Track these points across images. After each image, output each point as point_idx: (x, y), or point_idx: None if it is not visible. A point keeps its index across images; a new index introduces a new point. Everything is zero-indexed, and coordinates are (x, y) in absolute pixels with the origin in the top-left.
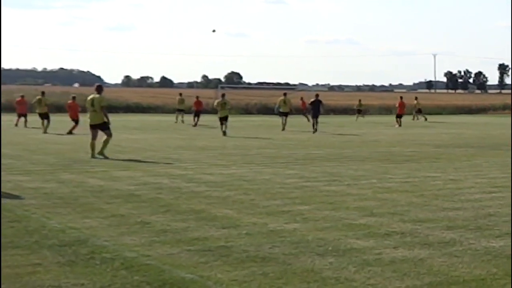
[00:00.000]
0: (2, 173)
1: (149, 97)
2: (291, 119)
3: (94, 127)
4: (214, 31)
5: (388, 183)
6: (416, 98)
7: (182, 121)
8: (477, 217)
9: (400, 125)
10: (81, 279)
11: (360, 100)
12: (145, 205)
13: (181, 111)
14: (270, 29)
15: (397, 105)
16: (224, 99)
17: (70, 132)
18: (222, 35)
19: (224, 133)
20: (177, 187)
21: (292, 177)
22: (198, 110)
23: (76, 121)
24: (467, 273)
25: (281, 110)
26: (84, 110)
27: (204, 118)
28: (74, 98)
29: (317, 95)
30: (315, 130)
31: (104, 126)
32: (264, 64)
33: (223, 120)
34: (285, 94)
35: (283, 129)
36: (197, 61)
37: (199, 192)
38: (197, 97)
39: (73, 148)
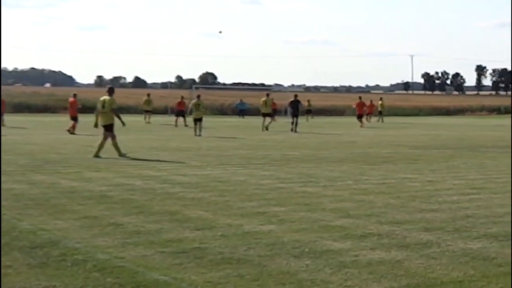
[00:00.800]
0: None
1: (122, 98)
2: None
3: (106, 128)
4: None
5: (364, 184)
6: (380, 99)
7: (149, 122)
8: (455, 219)
9: (361, 126)
10: (53, 281)
11: (309, 101)
12: (118, 206)
13: (148, 112)
14: (246, 30)
15: (354, 105)
16: (198, 100)
17: (70, 131)
18: (197, 35)
19: (199, 135)
20: (151, 188)
21: (267, 178)
22: (181, 110)
23: (75, 119)
24: (445, 275)
25: (262, 111)
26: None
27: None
28: (75, 95)
29: (295, 95)
30: (295, 131)
31: (110, 128)
32: (239, 65)
33: (198, 121)
34: (267, 95)
35: (263, 129)
36: (171, 61)
37: (173, 193)
38: (182, 97)
39: (44, 148)
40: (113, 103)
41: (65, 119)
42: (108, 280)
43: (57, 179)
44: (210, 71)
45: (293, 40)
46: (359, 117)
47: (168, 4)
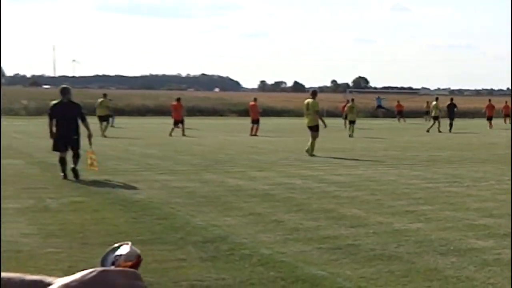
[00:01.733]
0: (151, 172)
1: (282, 101)
2: (412, 121)
3: (312, 128)
4: None
5: (506, 185)
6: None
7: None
8: None
9: (490, 127)
10: (222, 274)
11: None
12: (280, 204)
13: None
14: (395, 35)
15: (484, 108)
16: (353, 103)
17: (254, 134)
18: (350, 41)
19: (350, 135)
20: (309, 187)
21: (416, 178)
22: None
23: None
24: None
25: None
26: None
27: (332, 121)
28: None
29: (451, 99)
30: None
31: (315, 128)
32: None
33: (352, 123)
34: (437, 99)
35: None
36: (326, 66)
37: (329, 192)
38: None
39: (214, 149)
40: (316, 105)
41: (230, 122)
42: (271, 274)
43: (225, 178)
44: (362, 75)
45: (438, 44)
46: (489, 119)
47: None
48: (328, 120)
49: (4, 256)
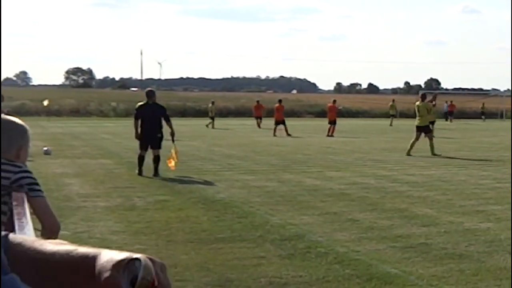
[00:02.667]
0: (232, 172)
1: (358, 103)
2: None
3: (419, 129)
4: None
5: None
6: None
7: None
8: None
9: None
10: (299, 272)
11: (483, 104)
12: (354, 203)
13: (392, 116)
14: (466, 37)
15: None
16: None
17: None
18: (421, 44)
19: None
20: (383, 187)
21: (485, 178)
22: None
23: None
24: None
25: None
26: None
27: (405, 122)
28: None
29: None
30: None
31: (426, 129)
32: (459, 70)
33: (431, 124)
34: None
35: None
36: (399, 68)
37: (402, 192)
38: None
39: (292, 150)
40: (424, 108)
41: (307, 123)
42: (346, 272)
43: (302, 178)
44: (434, 77)
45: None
46: None
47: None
48: (401, 121)
49: None
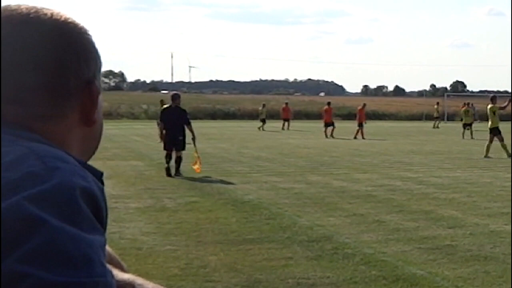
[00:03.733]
0: (260, 174)
1: (384, 105)
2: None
3: (491, 131)
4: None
5: None
6: None
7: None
8: None
9: None
10: (327, 273)
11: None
12: (381, 205)
13: (437, 118)
14: (491, 40)
15: None
16: (468, 107)
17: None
18: (447, 46)
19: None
20: (409, 188)
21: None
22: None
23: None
24: None
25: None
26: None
27: (429, 124)
28: (329, 103)
29: None
30: None
31: (495, 131)
32: (485, 73)
33: (468, 126)
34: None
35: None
36: (426, 71)
37: (428, 194)
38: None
39: (320, 152)
40: (492, 109)
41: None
42: (373, 273)
43: (330, 180)
44: (460, 79)
45: None
46: None
47: (421, 19)
48: (428, 124)
49: (124, 253)
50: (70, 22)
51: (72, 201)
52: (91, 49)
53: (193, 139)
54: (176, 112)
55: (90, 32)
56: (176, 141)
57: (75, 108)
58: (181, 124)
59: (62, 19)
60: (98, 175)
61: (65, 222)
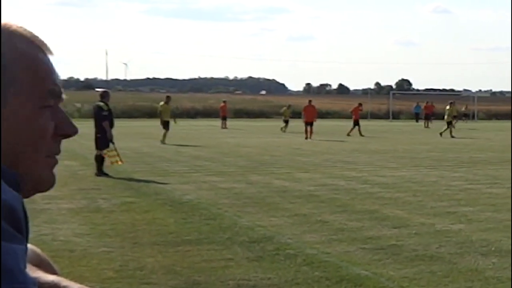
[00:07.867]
0: (199, 174)
1: (327, 104)
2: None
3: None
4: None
5: None
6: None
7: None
8: None
9: None
10: (268, 274)
11: (466, 106)
12: (324, 205)
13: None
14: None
15: None
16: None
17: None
18: (392, 44)
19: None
20: (353, 188)
21: (457, 180)
22: (428, 114)
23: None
24: None
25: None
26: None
27: (375, 123)
28: (360, 104)
29: None
30: None
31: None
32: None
33: (449, 124)
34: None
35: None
36: (370, 69)
37: (372, 193)
38: (429, 102)
39: (260, 151)
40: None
41: (276, 124)
42: (316, 274)
43: (271, 179)
44: (405, 77)
45: (480, 47)
46: None
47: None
48: (372, 122)
49: (57, 255)
50: None
51: None
52: None
53: (111, 137)
54: (95, 109)
55: None
56: (95, 139)
57: None
58: (99, 122)
59: None
60: (13, 177)
61: None
